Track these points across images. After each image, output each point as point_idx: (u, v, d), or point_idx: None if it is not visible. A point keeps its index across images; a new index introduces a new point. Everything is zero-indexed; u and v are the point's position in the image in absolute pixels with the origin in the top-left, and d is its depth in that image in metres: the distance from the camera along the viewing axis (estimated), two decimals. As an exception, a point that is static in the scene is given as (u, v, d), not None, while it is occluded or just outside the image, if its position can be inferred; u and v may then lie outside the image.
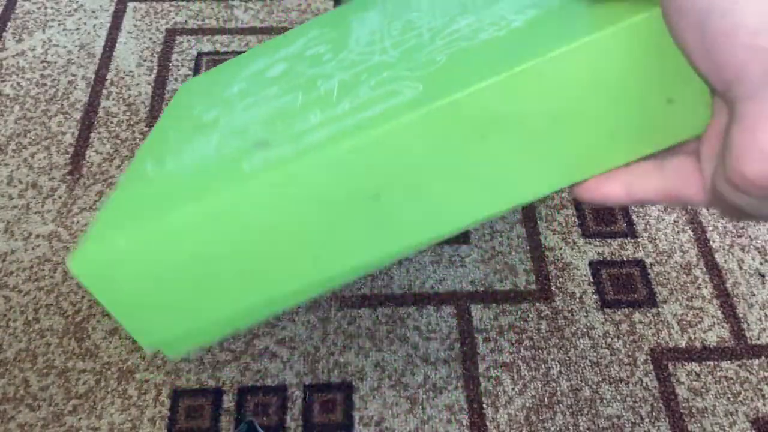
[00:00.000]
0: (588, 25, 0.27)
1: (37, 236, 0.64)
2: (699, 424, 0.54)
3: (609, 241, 0.64)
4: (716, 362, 0.56)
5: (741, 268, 0.62)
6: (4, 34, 0.81)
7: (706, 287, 0.61)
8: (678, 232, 0.65)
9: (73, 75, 0.77)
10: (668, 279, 0.61)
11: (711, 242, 0.64)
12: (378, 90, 0.32)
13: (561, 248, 0.63)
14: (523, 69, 0.27)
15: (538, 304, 0.59)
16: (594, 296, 0.60)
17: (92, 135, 0.72)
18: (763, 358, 0.57)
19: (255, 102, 0.41)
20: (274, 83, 0.42)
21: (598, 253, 0.63)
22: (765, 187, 0.22)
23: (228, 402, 0.55)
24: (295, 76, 0.41)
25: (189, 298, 0.34)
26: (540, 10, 0.31)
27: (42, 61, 0.78)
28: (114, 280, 0.33)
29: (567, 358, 0.57)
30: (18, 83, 0.76)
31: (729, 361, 0.56)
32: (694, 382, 0.55)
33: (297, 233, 0.32)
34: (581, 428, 0.53)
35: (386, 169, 0.30)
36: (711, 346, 0.57)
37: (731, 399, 0.55)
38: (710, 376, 0.56)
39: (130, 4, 0.84)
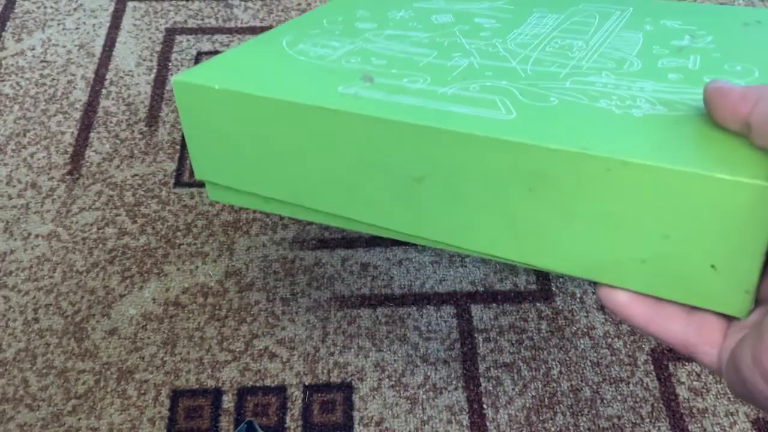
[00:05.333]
0: (696, 154, 0.26)
1: (37, 236, 0.63)
2: (699, 425, 0.53)
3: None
4: (717, 362, 0.56)
5: (741, 267, 0.62)
6: (3, 33, 0.81)
7: (706, 287, 0.60)
8: (678, 231, 0.65)
9: (73, 74, 0.77)
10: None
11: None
12: (483, 93, 0.33)
13: (561, 248, 0.63)
14: (603, 157, 0.27)
15: (538, 304, 0.59)
16: (594, 296, 0.60)
17: (91, 135, 0.72)
18: (763, 358, 0.56)
19: (401, 37, 0.43)
20: (429, 30, 0.44)
21: (599, 253, 0.63)
22: None
23: (227, 402, 0.55)
24: (447, 35, 0.43)
25: (241, 163, 0.39)
26: (668, 113, 0.30)
27: (41, 61, 0.78)
28: (196, 110, 0.38)
29: (567, 359, 0.56)
30: (17, 83, 0.76)
31: (729, 361, 0.56)
32: (694, 383, 0.55)
33: (344, 170, 0.35)
34: (582, 428, 0.53)
35: (441, 163, 0.31)
36: (711, 346, 0.57)
37: (732, 399, 0.54)
38: (711, 377, 0.56)
39: (130, 4, 0.84)
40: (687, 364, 0.56)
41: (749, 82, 0.32)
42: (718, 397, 0.54)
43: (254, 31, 0.82)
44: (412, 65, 0.38)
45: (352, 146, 0.34)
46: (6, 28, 0.82)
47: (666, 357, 0.56)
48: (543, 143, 0.28)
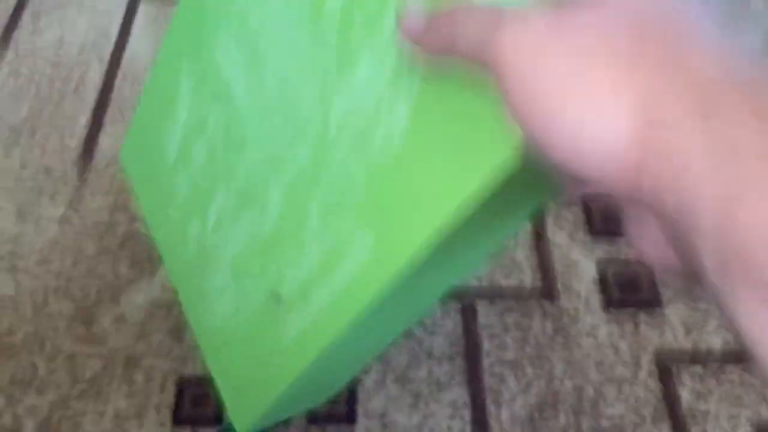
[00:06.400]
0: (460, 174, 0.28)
1: (48, 220, 0.64)
2: (701, 427, 0.54)
3: (616, 239, 0.64)
4: (720, 365, 0.56)
5: (750, 271, 0.61)
6: (21, 16, 0.81)
7: (713, 290, 0.60)
8: (688, 232, 0.64)
9: (88, 59, 0.77)
10: (674, 280, 0.61)
11: (721, 244, 0.63)
12: (330, 237, 0.35)
13: (567, 246, 0.63)
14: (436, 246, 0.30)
15: (543, 302, 0.59)
16: (599, 295, 0.60)
17: (105, 119, 0.72)
18: (768, 362, 0.56)
19: (227, 224, 0.44)
20: (207, 161, 0.45)
21: (605, 252, 0.63)
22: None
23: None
24: (223, 162, 0.43)
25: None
26: (414, 121, 0.30)
27: (58, 44, 0.79)
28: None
29: (571, 358, 0.57)
30: (33, 64, 0.76)
31: (733, 365, 0.56)
32: (697, 385, 0.55)
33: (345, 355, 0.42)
34: (583, 428, 0.54)
35: (384, 315, 0.37)
36: (716, 349, 0.57)
37: (734, 403, 0.54)
38: (714, 380, 0.56)
39: (145, -12, 0.84)
40: (690, 366, 0.56)
41: None
42: (721, 400, 0.55)
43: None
44: (263, 247, 0.41)
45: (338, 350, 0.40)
46: (24, 11, 0.82)
47: (670, 359, 0.56)
48: (409, 266, 0.32)
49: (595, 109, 0.20)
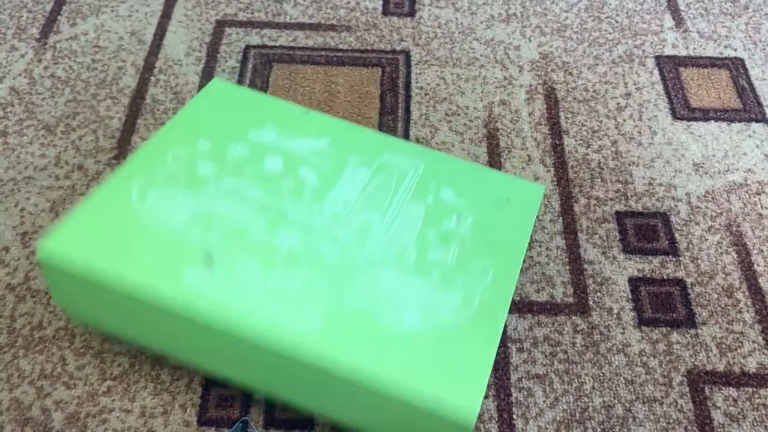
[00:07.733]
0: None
1: (81, 218, 0.65)
2: (733, 451, 0.53)
3: (650, 258, 0.63)
4: (755, 389, 0.55)
5: (785, 294, 0.60)
6: (58, 17, 0.83)
7: (747, 311, 0.59)
8: (721, 253, 0.64)
9: (123, 61, 0.78)
10: (709, 300, 0.60)
11: (755, 266, 0.63)
12: (300, 295, 0.48)
13: (600, 262, 0.63)
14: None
15: (574, 318, 0.59)
16: (631, 313, 0.59)
17: (139, 121, 0.73)
18: (803, 387, 0.55)
19: (237, 194, 0.53)
20: (261, 183, 0.54)
21: (638, 270, 0.62)
22: None
23: (259, 394, 0.55)
24: (275, 193, 0.53)
25: (97, 311, 0.52)
26: (425, 327, 0.47)
27: (94, 46, 0.80)
28: (60, 276, 0.50)
29: (601, 374, 0.56)
30: (70, 66, 0.77)
31: (768, 389, 0.55)
32: (730, 408, 0.54)
33: (187, 342, 0.49)
34: (612, 446, 0.53)
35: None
36: (750, 372, 0.56)
37: (768, 427, 0.54)
38: (748, 403, 0.55)
39: (183, -6, 0.85)
40: (724, 388, 0.55)
41: (483, 288, 0.49)
42: (755, 424, 0.53)
43: (303, 27, 0.83)
44: (246, 241, 0.50)
45: (186, 333, 0.48)
46: (62, 12, 0.83)
47: (702, 380, 0.56)
48: (347, 371, 0.44)
49: None
